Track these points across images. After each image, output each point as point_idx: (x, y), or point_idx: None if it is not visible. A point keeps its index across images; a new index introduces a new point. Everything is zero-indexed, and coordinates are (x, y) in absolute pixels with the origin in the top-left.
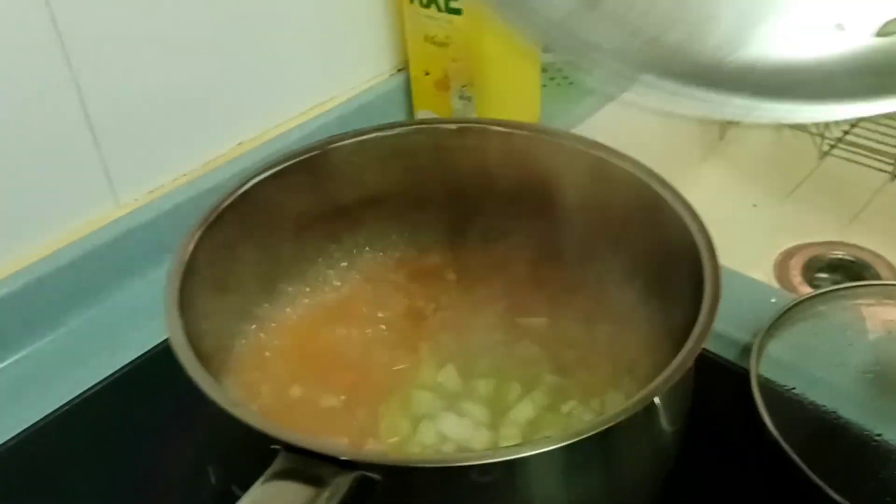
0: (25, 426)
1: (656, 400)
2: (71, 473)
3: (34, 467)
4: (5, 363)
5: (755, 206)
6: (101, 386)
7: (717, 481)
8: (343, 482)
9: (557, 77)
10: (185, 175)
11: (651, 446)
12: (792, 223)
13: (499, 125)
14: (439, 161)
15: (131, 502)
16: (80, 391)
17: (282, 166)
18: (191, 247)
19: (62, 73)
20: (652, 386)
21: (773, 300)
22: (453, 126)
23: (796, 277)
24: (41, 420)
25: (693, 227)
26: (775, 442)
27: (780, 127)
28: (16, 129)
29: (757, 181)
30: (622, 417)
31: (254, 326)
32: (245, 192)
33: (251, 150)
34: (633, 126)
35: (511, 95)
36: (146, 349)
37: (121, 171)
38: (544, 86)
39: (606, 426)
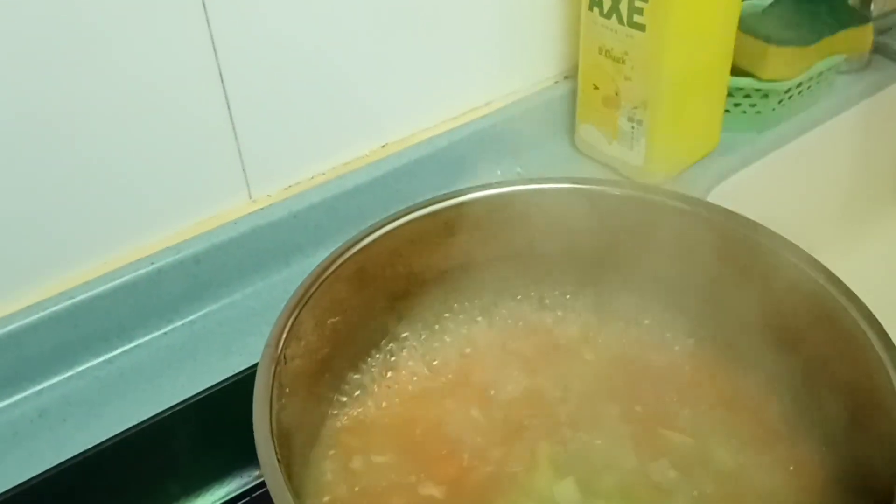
0: (130, 424)
1: None
2: (171, 476)
3: (135, 465)
4: (118, 351)
5: None
6: (208, 392)
7: None
8: None
9: (744, 104)
10: (322, 174)
11: None
12: None
13: (672, 198)
14: (589, 224)
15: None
16: (188, 395)
17: (398, 222)
18: (291, 316)
19: (208, 62)
20: None
21: None
22: (617, 192)
23: None
24: (146, 420)
25: (882, 353)
26: None
27: None
28: (159, 115)
29: None
30: None
31: (354, 392)
32: (357, 252)
33: (395, 154)
34: (822, 163)
35: (687, 122)
36: (258, 357)
37: (257, 164)
38: (727, 111)
39: None
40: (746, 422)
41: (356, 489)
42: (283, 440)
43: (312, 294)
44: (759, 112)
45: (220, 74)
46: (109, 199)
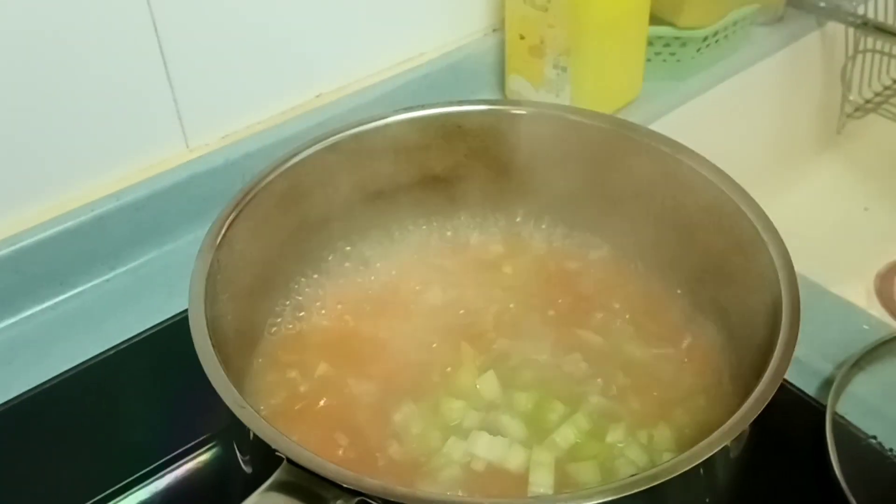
0: (76, 363)
1: (716, 452)
2: (119, 414)
3: (82, 404)
4: (62, 297)
5: (867, 209)
6: (153, 331)
7: None
8: None
9: (664, 52)
10: (259, 123)
11: (704, 494)
12: None
13: (575, 114)
14: (509, 145)
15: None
16: (133, 333)
17: (333, 139)
18: (227, 222)
19: (141, 12)
20: (712, 438)
21: (865, 327)
22: (523, 111)
23: None
24: (92, 359)
25: (772, 248)
26: (842, 493)
27: None
28: (92, 63)
29: (872, 182)
30: (670, 476)
31: (292, 304)
32: (289, 168)
33: (330, 104)
34: (741, 110)
35: (610, 70)
36: None
37: (193, 113)
38: (649, 60)
39: (654, 483)
40: (651, 320)
41: (294, 396)
42: (219, 346)
43: (245, 206)
44: (678, 60)
45: (154, 25)
46: (48, 146)
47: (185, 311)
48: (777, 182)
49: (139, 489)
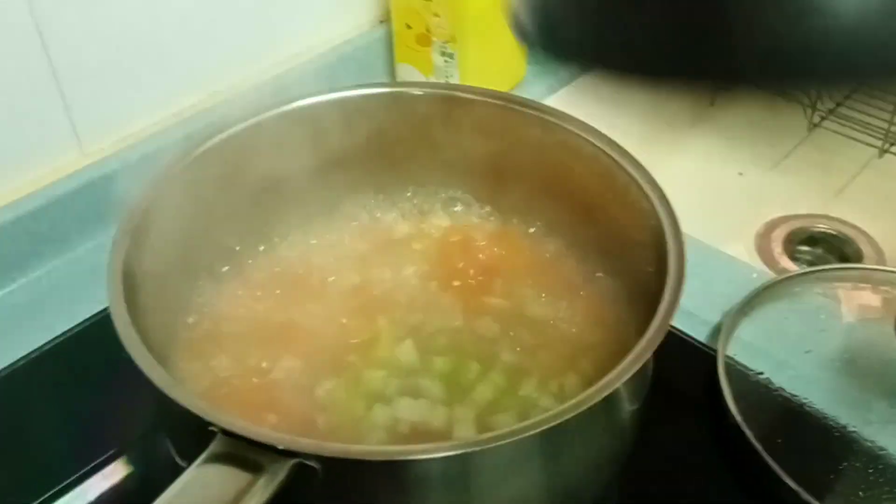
0: None
1: (616, 388)
2: (28, 426)
3: None
4: None
5: (741, 174)
6: (60, 339)
7: (677, 462)
8: (280, 468)
9: None
10: (154, 124)
11: (610, 433)
12: (777, 194)
13: (466, 92)
14: (407, 125)
15: (88, 459)
16: (38, 345)
17: (238, 127)
18: (137, 213)
19: (23, 15)
20: (611, 376)
21: (748, 278)
22: (419, 91)
23: (777, 249)
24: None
25: (657, 204)
26: (737, 427)
27: (772, 95)
28: None
29: (745, 149)
30: (577, 411)
31: (207, 292)
32: (200, 155)
33: (224, 102)
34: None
35: (494, 55)
36: (107, 304)
37: (86, 118)
38: None
39: (563, 419)
40: (550, 282)
41: (218, 382)
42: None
43: (154, 197)
44: None
45: (39, 31)
46: None
47: (88, 319)
48: (657, 153)
49: None
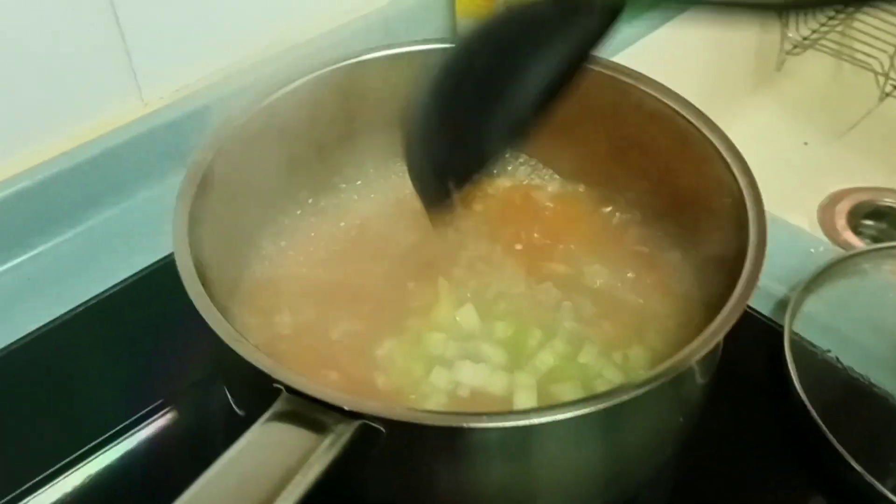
0: (39, 325)
1: (688, 366)
2: (82, 374)
3: (46, 366)
4: (20, 259)
5: (806, 144)
6: (116, 289)
7: (739, 437)
8: (345, 430)
9: None
10: (213, 74)
11: (677, 410)
12: (842, 165)
13: None
14: None
15: (142, 409)
16: (95, 293)
17: (304, 79)
18: (204, 163)
19: None
20: (684, 353)
21: (814, 251)
22: None
23: (840, 222)
24: (54, 320)
25: (739, 175)
26: (802, 404)
27: (841, 62)
28: (38, 15)
29: (810, 118)
30: (647, 387)
31: (270, 248)
32: (264, 108)
33: (283, 52)
34: (684, 51)
35: None
36: (164, 254)
37: (147, 67)
38: None
39: (632, 395)
40: (615, 248)
41: (277, 338)
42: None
43: (220, 150)
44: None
45: None
46: None
47: (145, 269)
48: (718, 120)
49: (102, 454)
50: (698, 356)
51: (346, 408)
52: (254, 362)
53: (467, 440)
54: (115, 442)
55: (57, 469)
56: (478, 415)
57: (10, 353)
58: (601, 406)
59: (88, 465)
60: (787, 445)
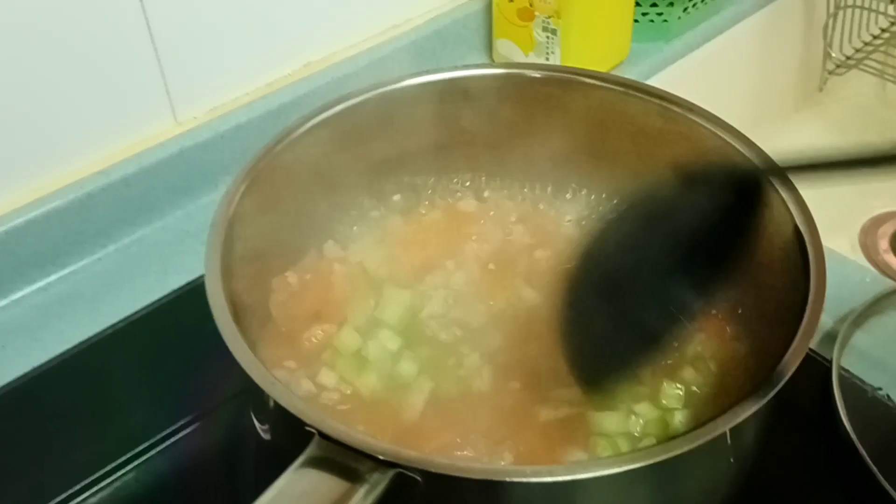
0: (71, 344)
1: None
2: (114, 394)
3: (77, 386)
4: (53, 278)
5: None
6: (149, 309)
7: (786, 476)
8: (381, 479)
9: (651, 13)
10: (247, 94)
11: (732, 460)
12: (885, 187)
13: (587, 76)
14: (517, 108)
15: (170, 426)
16: (127, 313)
17: (342, 106)
18: (236, 198)
19: None
20: (745, 406)
21: (861, 281)
22: (537, 74)
23: (883, 245)
24: (87, 339)
25: (794, 210)
26: (851, 443)
27: (884, 81)
28: (74, 36)
29: (852, 138)
30: (698, 442)
31: (297, 278)
32: (300, 135)
33: (318, 73)
34: (725, 69)
35: (599, 31)
36: (196, 275)
37: (181, 86)
38: (636, 21)
39: (683, 449)
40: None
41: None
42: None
43: (255, 177)
44: (665, 21)
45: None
46: (34, 125)
47: (178, 290)
48: (759, 139)
49: (131, 469)
50: (756, 406)
51: (381, 457)
52: (287, 407)
53: (508, 494)
54: (144, 457)
55: (85, 485)
56: (520, 468)
57: (42, 372)
58: (648, 462)
59: (116, 481)
60: (835, 486)
